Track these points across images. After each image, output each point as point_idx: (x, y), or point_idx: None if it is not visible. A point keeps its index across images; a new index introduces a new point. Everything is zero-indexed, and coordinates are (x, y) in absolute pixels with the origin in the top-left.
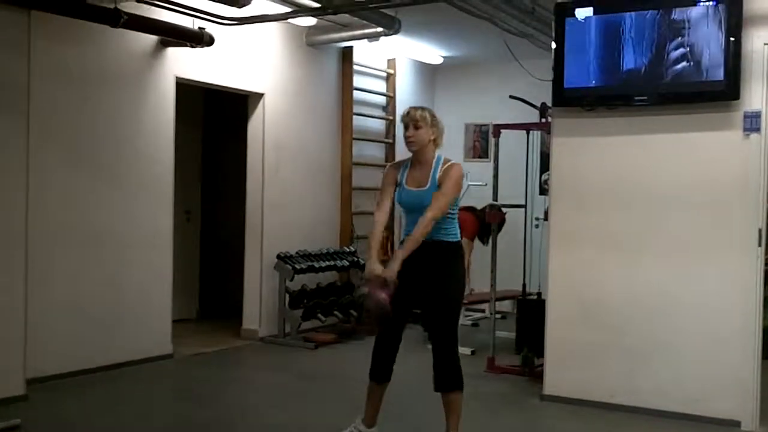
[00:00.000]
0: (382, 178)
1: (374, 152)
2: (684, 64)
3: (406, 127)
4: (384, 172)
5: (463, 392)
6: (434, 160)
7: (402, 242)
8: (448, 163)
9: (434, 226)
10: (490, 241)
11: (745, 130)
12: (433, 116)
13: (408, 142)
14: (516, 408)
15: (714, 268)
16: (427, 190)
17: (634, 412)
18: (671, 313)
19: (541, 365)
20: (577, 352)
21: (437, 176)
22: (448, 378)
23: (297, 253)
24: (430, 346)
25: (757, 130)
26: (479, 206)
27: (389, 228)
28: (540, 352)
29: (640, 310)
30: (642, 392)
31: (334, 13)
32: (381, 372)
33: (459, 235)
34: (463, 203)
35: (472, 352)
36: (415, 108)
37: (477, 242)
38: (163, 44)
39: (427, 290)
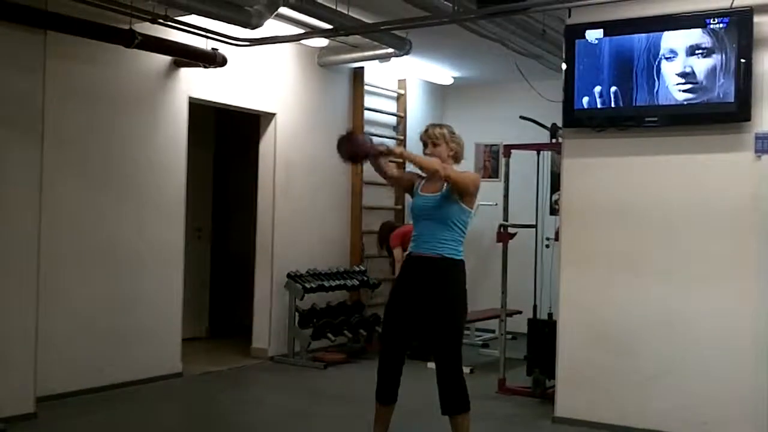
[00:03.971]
0: (401, 178)
1: None
2: (694, 85)
3: (425, 145)
4: (402, 175)
5: (469, 414)
6: None
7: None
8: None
9: (441, 240)
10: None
11: (756, 151)
12: (452, 133)
13: None
14: (527, 430)
15: (726, 290)
16: (440, 195)
17: None
18: (683, 334)
19: (553, 387)
20: (588, 373)
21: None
22: (453, 400)
23: (307, 272)
24: (428, 365)
25: None
26: (490, 226)
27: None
28: (551, 373)
29: (651, 332)
30: (653, 414)
31: (346, 35)
32: (387, 393)
33: (462, 255)
34: (474, 221)
35: (471, 370)
36: (434, 125)
37: (485, 261)
38: (177, 65)
39: (429, 310)
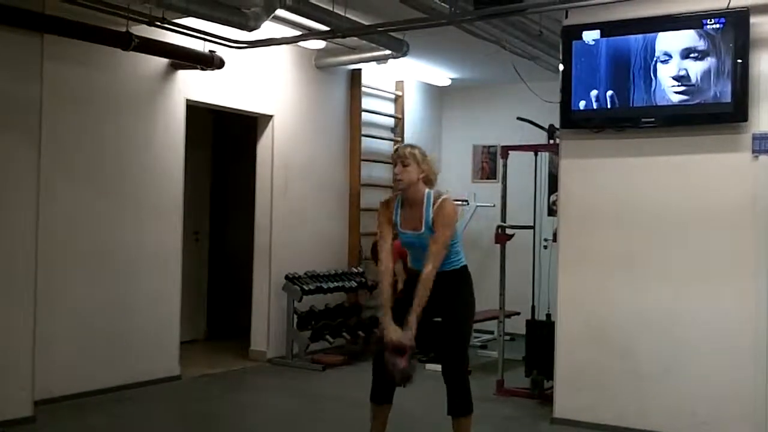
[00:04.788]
0: (377, 216)
1: (382, 173)
2: (691, 85)
3: (394, 165)
4: (378, 210)
5: (471, 416)
6: (425, 197)
7: (410, 285)
8: (439, 200)
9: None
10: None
11: (753, 151)
12: (423, 155)
13: (396, 180)
14: None
15: (724, 290)
16: (422, 234)
17: None
18: (682, 334)
19: (551, 388)
20: (587, 374)
21: (430, 217)
22: (458, 403)
23: (305, 273)
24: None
25: (766, 151)
26: (488, 227)
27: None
28: (550, 374)
29: (650, 332)
30: (652, 415)
31: (343, 37)
32: (380, 393)
33: (464, 261)
34: (472, 222)
35: (469, 372)
36: (405, 146)
37: (483, 262)
38: (174, 67)
39: (436, 316)
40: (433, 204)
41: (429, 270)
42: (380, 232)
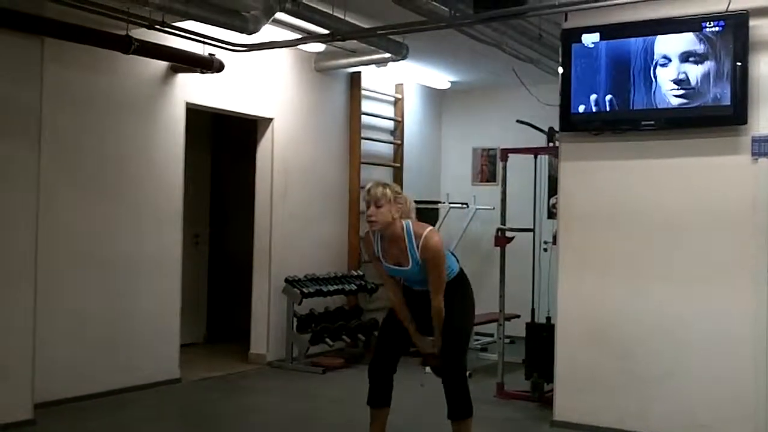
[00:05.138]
0: (365, 252)
1: (382, 176)
2: (691, 88)
3: (367, 206)
4: (363, 248)
5: (471, 419)
6: (405, 233)
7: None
8: (423, 236)
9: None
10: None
11: (753, 154)
12: (396, 192)
13: (369, 221)
14: None
15: (724, 292)
16: (410, 270)
17: None
18: (682, 337)
19: (551, 390)
20: (587, 377)
21: (417, 255)
22: (458, 406)
23: (305, 276)
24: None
25: (766, 154)
26: (488, 230)
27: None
28: (550, 377)
29: (650, 335)
30: (652, 418)
31: (343, 40)
32: (377, 397)
33: (457, 268)
34: (471, 225)
35: (469, 375)
36: (377, 185)
37: (483, 265)
38: (174, 70)
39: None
40: (415, 238)
41: (438, 304)
42: (375, 267)
